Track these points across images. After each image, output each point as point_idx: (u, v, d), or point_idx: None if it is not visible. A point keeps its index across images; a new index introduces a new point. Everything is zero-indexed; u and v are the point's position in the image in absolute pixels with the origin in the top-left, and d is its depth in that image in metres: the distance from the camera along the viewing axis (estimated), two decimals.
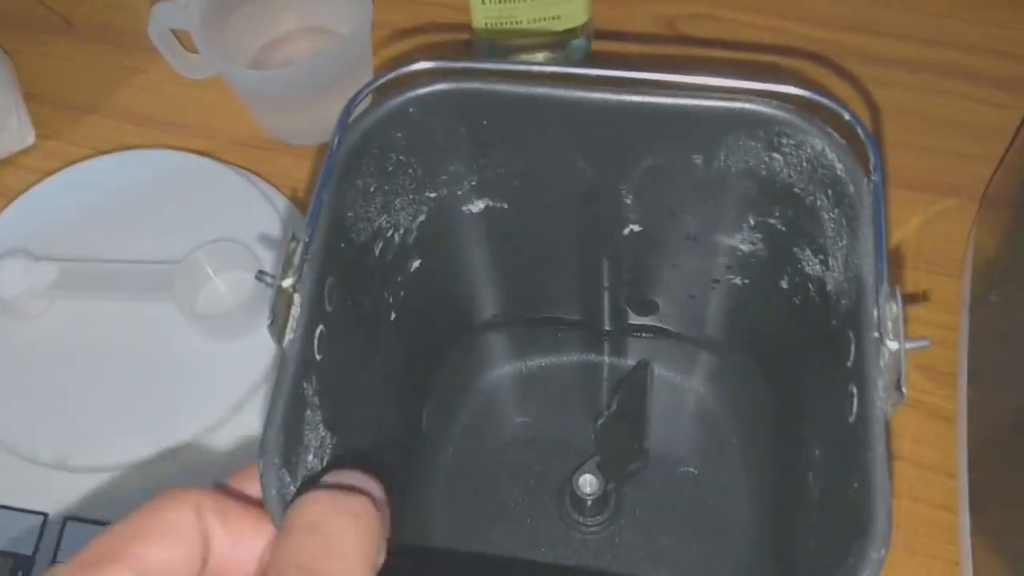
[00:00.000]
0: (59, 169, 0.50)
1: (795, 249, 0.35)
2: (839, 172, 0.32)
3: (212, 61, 0.47)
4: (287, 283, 0.29)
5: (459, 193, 0.37)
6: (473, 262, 0.40)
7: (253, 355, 0.41)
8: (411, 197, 0.36)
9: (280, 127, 0.51)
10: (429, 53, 0.52)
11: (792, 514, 0.36)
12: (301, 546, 0.24)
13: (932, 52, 0.52)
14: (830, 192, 0.32)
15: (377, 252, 0.35)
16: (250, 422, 0.41)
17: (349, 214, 0.33)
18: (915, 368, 0.44)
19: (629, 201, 0.36)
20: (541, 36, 0.50)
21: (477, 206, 0.37)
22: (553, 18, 0.49)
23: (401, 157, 0.34)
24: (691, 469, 0.41)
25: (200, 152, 0.50)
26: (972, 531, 0.39)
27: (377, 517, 0.25)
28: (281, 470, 0.27)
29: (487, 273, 0.41)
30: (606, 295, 0.41)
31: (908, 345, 0.28)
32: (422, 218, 0.37)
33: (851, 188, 0.31)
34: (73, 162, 0.50)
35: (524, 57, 0.51)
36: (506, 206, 0.37)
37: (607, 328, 0.43)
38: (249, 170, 0.49)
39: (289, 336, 0.29)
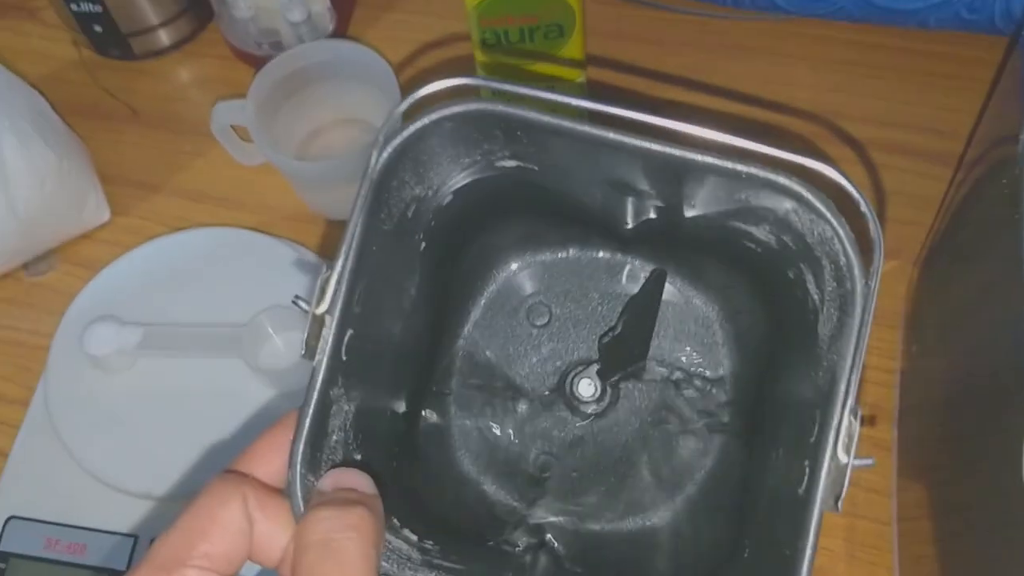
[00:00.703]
0: (131, 242, 0.58)
1: (802, 265, 0.35)
2: (842, 263, 0.32)
3: (264, 150, 0.56)
4: (320, 310, 0.31)
5: (492, 159, 0.37)
6: (502, 195, 0.40)
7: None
8: (445, 167, 0.37)
9: (321, 203, 0.59)
10: (453, 68, 0.60)
11: (760, 457, 0.38)
12: (315, 563, 0.27)
13: (877, 131, 0.60)
14: (832, 266, 0.33)
15: (410, 214, 0.36)
16: None
17: (381, 216, 0.34)
18: (864, 406, 0.52)
19: (652, 192, 0.37)
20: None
21: (509, 164, 0.38)
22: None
23: (436, 151, 0.36)
24: (682, 373, 0.43)
25: (253, 225, 0.59)
26: (899, 541, 0.47)
27: (374, 523, 0.28)
28: (307, 476, 0.30)
29: (515, 206, 0.41)
30: (628, 216, 0.41)
31: (855, 462, 0.30)
32: (456, 174, 0.37)
33: (848, 284, 0.32)
34: (143, 236, 0.59)
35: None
36: (536, 168, 0.38)
37: (628, 242, 0.42)
38: (296, 241, 0.58)
39: (319, 357, 0.31)
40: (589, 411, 0.42)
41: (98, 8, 0.63)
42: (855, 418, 0.30)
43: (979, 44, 0.61)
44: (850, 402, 0.30)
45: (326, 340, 0.31)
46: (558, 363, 0.43)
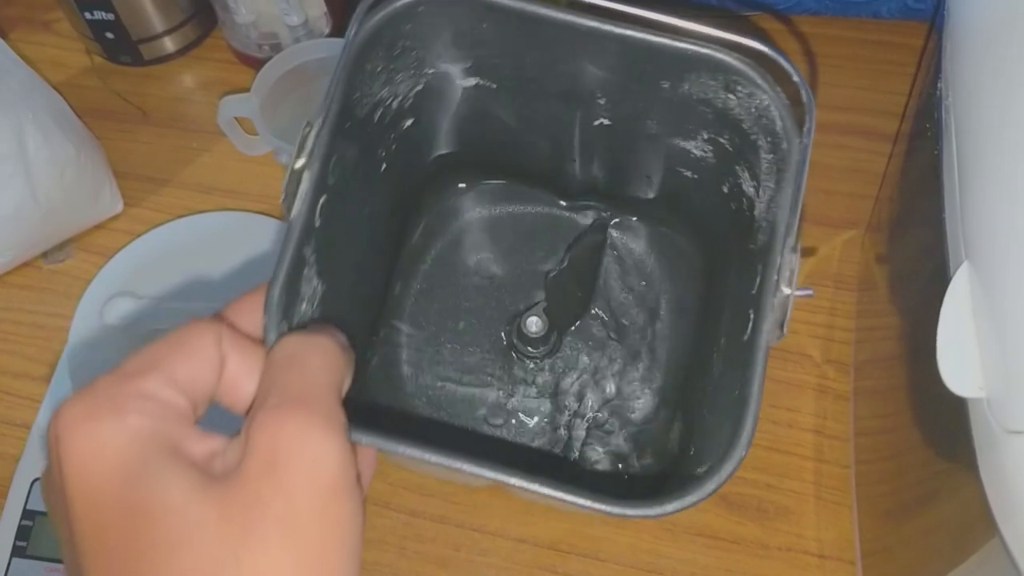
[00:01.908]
0: (144, 231, 0.62)
1: (737, 167, 0.39)
2: (778, 128, 0.36)
3: (267, 139, 0.60)
4: (299, 164, 0.33)
5: (454, 71, 0.40)
6: (459, 124, 0.43)
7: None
8: (412, 72, 0.39)
9: None
10: None
11: (699, 379, 0.41)
12: (280, 372, 0.28)
13: (835, 115, 0.65)
14: (769, 139, 0.37)
15: (376, 119, 0.39)
16: None
17: (356, 95, 0.36)
18: (827, 362, 0.56)
19: (602, 102, 0.40)
20: None
21: (469, 82, 0.41)
22: None
23: (407, 43, 0.38)
24: (625, 320, 0.46)
25: (263, 209, 0.63)
26: (856, 481, 0.51)
27: (339, 351, 0.29)
28: (282, 323, 0.32)
29: (471, 133, 0.44)
30: (575, 166, 0.45)
31: (797, 292, 0.33)
32: (420, 87, 0.40)
33: (784, 144, 0.36)
34: (155, 225, 0.63)
35: None
36: (494, 86, 0.41)
37: (572, 187, 0.46)
38: None
39: (296, 210, 0.33)
40: (537, 351, 0.44)
41: (111, 16, 0.68)
42: (795, 254, 0.33)
43: (925, 32, 0.66)
44: (790, 240, 0.33)
45: (303, 195, 0.33)
46: (507, 309, 0.45)
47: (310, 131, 0.33)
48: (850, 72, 0.67)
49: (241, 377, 0.29)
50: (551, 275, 0.45)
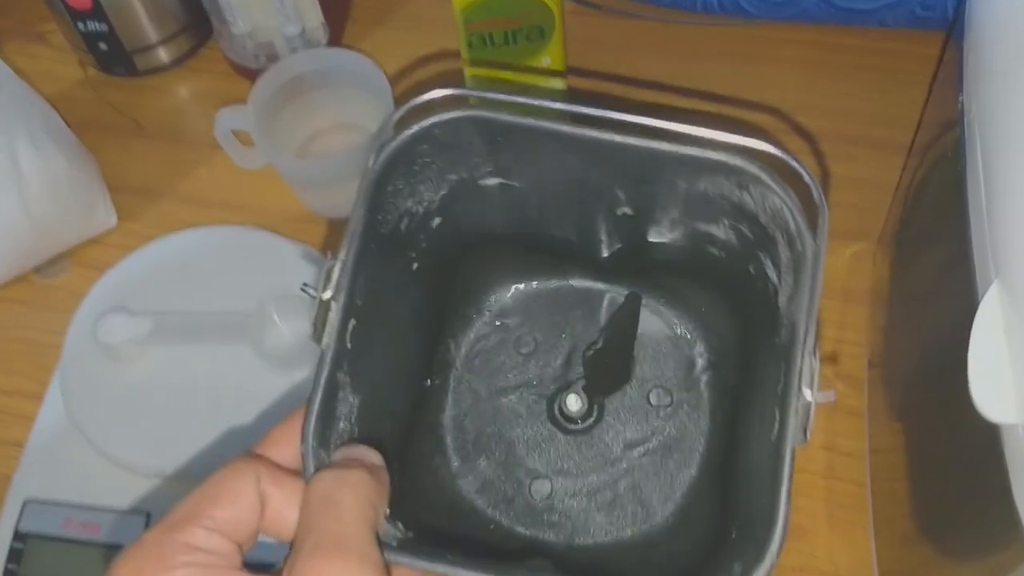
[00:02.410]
0: (138, 245, 0.61)
1: (759, 253, 0.40)
2: (792, 228, 0.36)
3: (265, 153, 0.59)
4: (327, 295, 0.34)
5: (476, 174, 0.41)
6: (488, 216, 0.44)
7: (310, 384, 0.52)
8: (434, 181, 0.40)
9: (320, 204, 0.62)
10: (440, 80, 0.64)
11: (736, 460, 0.41)
12: (315, 515, 0.29)
13: (843, 125, 0.64)
14: (785, 236, 0.37)
15: (403, 228, 0.40)
16: None
17: (379, 217, 0.37)
18: (839, 379, 0.55)
19: (622, 196, 0.41)
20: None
21: (491, 182, 0.42)
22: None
23: (426, 159, 0.39)
24: (665, 397, 0.46)
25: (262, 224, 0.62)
26: (873, 501, 0.49)
27: (374, 485, 0.30)
28: (319, 451, 0.32)
29: (499, 223, 0.45)
30: (603, 246, 0.46)
31: (819, 397, 0.33)
32: (444, 191, 0.41)
33: (799, 244, 0.36)
34: (149, 239, 0.62)
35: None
36: (517, 185, 0.42)
37: (604, 262, 0.46)
38: (297, 239, 0.61)
39: (325, 340, 0.34)
40: (576, 428, 0.45)
41: (104, 27, 0.66)
42: (815, 357, 0.33)
43: (935, 41, 0.65)
44: (809, 344, 0.33)
45: (332, 324, 0.34)
46: (545, 386, 0.46)
47: (335, 263, 0.34)
48: (857, 82, 0.66)
49: (284, 510, 0.30)
50: (588, 352, 0.46)
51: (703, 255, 0.43)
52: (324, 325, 0.34)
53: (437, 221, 0.42)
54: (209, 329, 0.54)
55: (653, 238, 0.44)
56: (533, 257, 0.47)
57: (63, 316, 0.58)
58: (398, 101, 0.65)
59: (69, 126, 0.63)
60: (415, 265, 0.42)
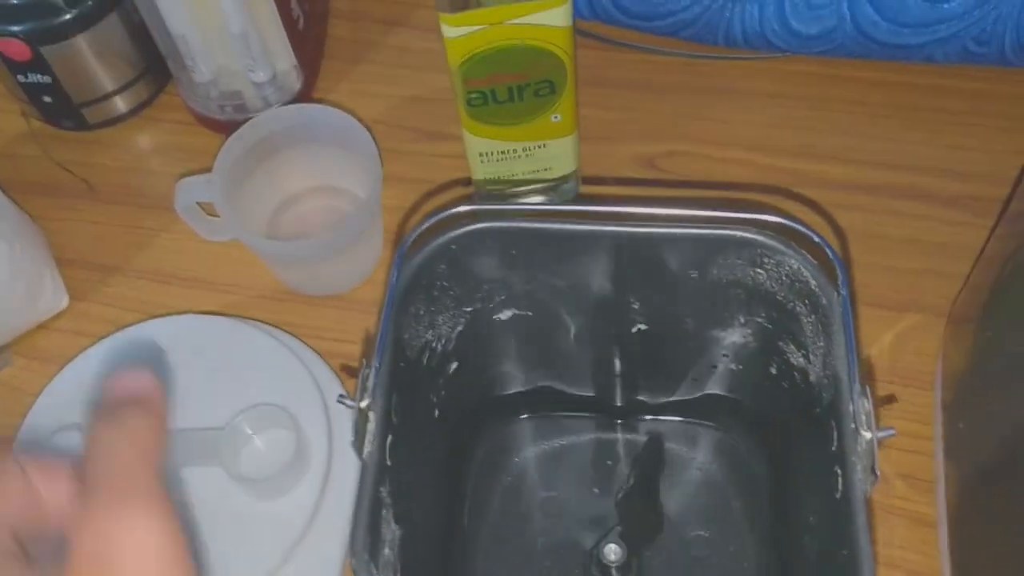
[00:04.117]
0: (93, 330, 0.54)
1: (780, 343, 0.41)
2: (813, 287, 0.37)
3: (233, 229, 0.51)
4: (364, 404, 0.34)
5: (491, 306, 0.43)
6: (503, 359, 0.46)
7: (293, 513, 0.45)
8: (451, 313, 0.42)
9: (297, 281, 0.55)
10: (437, 202, 0.57)
11: (792, 573, 0.41)
12: (97, 469, 0.27)
13: (888, 175, 0.57)
14: (807, 302, 0.38)
15: (425, 362, 0.41)
16: None
17: (405, 336, 0.39)
18: (898, 477, 0.48)
19: (636, 307, 0.42)
20: (535, 184, 0.55)
21: (506, 314, 0.43)
22: (545, 169, 0.54)
23: (444, 283, 0.41)
24: (702, 532, 0.46)
25: (224, 307, 0.54)
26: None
27: (150, 425, 0.28)
28: (370, 564, 0.33)
29: (515, 367, 0.47)
30: (618, 381, 0.47)
31: (879, 434, 0.33)
32: (460, 328, 0.43)
33: (823, 300, 0.37)
34: (105, 323, 0.54)
35: (522, 200, 0.56)
36: (530, 314, 0.43)
37: (619, 405, 0.48)
38: (273, 323, 0.53)
39: (367, 449, 0.34)
40: None
41: (47, 79, 0.58)
42: (865, 396, 0.33)
43: (988, 76, 0.58)
44: (856, 386, 0.34)
45: (371, 434, 0.34)
46: (581, 541, 0.45)
47: (369, 371, 0.35)
48: (900, 123, 0.58)
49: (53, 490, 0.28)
50: (619, 497, 0.45)
51: (720, 375, 0.44)
52: (364, 435, 0.34)
53: (454, 366, 0.43)
54: (175, 448, 0.46)
55: (669, 363, 0.44)
56: (551, 413, 0.47)
57: (10, 419, 0.51)
58: (387, 160, 0.57)
59: (10, 190, 0.56)
60: (436, 412, 0.43)
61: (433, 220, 0.38)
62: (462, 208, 0.38)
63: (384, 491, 0.35)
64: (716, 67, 0.62)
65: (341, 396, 0.34)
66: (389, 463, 0.35)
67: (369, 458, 0.34)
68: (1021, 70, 0.57)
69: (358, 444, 0.34)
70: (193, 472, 0.46)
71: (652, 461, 0.46)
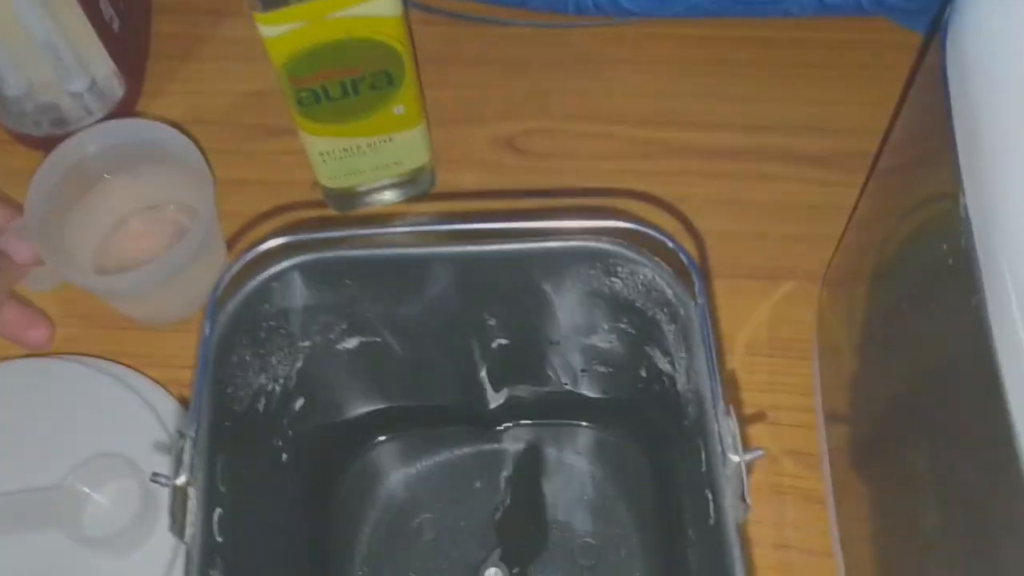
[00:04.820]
0: None
1: (646, 348, 0.38)
2: (670, 296, 0.35)
3: (60, 271, 0.46)
4: (181, 481, 0.30)
5: (331, 336, 0.39)
6: (354, 389, 0.42)
7: (149, 566, 0.41)
8: (286, 352, 0.38)
9: (136, 312, 0.50)
10: (286, 227, 0.53)
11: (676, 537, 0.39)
12: None
13: (753, 138, 0.54)
14: (666, 310, 0.36)
15: (261, 408, 0.37)
16: None
17: (228, 390, 0.35)
18: (785, 455, 0.46)
19: (492, 323, 0.39)
20: (387, 179, 0.51)
21: (351, 343, 0.39)
22: (395, 163, 0.50)
23: (272, 323, 0.36)
24: (589, 539, 0.44)
25: (58, 344, 0.49)
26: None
27: None
28: None
29: (368, 396, 0.43)
30: (487, 394, 0.44)
31: (747, 457, 0.31)
32: (299, 364, 0.39)
33: (681, 311, 0.35)
34: None
35: (374, 197, 0.52)
36: (379, 340, 0.40)
37: (491, 415, 0.45)
38: (111, 358, 0.49)
39: (189, 531, 0.30)
40: None
41: None
42: (730, 417, 0.31)
43: (847, 26, 0.56)
44: (719, 405, 0.31)
45: (193, 513, 0.30)
46: (463, 565, 0.42)
47: (184, 443, 0.31)
48: (761, 81, 0.56)
49: None
50: (498, 516, 0.43)
51: (590, 378, 0.42)
52: (184, 515, 0.30)
53: (300, 403, 0.39)
54: (3, 514, 0.42)
55: (537, 373, 0.42)
56: (417, 433, 0.44)
57: None
58: (222, 169, 0.52)
59: None
60: (284, 456, 0.39)
61: (243, 261, 0.33)
62: (274, 242, 0.34)
63: (215, 573, 0.31)
64: (570, 36, 0.59)
65: (155, 475, 0.30)
66: (220, 539, 0.31)
67: (192, 541, 0.30)
68: (879, 18, 0.55)
69: (177, 527, 0.30)
70: (27, 539, 0.42)
71: (530, 472, 0.44)
